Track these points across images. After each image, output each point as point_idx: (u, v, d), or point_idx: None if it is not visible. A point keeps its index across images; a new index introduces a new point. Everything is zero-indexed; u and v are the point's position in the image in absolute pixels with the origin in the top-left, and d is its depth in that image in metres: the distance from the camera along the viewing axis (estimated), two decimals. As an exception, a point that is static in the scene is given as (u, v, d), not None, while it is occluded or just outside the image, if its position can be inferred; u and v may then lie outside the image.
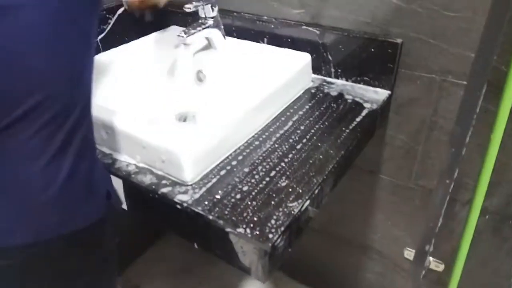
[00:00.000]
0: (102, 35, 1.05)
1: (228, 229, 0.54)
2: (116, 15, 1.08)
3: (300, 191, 0.60)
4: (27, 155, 0.50)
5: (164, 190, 0.61)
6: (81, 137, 0.54)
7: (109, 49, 0.95)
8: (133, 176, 0.64)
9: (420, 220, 0.96)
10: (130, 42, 0.98)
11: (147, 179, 0.63)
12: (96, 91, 0.78)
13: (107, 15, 1.06)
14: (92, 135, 0.59)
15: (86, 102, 0.56)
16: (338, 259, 1.22)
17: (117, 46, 0.96)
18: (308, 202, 0.59)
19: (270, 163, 0.66)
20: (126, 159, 0.68)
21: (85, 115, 0.55)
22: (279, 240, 0.54)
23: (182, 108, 0.87)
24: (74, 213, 0.55)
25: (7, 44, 0.44)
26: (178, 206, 0.59)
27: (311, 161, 0.66)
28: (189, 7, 0.84)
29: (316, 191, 0.61)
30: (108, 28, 1.06)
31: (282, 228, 0.54)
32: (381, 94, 0.85)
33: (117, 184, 0.67)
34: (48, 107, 0.48)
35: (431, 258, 0.92)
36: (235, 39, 0.96)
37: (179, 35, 0.82)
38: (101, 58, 0.91)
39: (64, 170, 0.52)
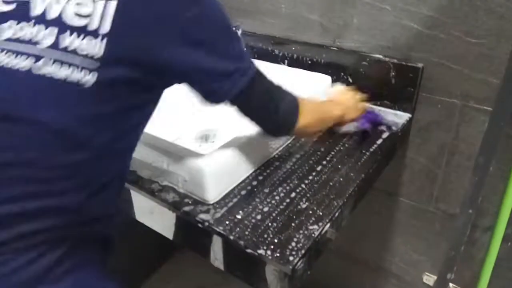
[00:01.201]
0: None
1: (249, 250, 0.55)
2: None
3: (321, 213, 0.60)
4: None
5: (186, 208, 0.62)
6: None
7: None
8: (156, 194, 0.66)
9: (440, 245, 0.95)
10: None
11: (170, 197, 0.65)
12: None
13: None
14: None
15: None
16: (355, 282, 1.20)
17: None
18: (328, 225, 0.59)
19: (291, 184, 0.66)
20: (150, 176, 0.69)
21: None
22: (299, 263, 0.54)
23: (204, 128, 0.89)
24: None
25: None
26: (200, 225, 0.60)
27: (331, 184, 0.66)
28: (213, 30, 0.86)
29: (336, 214, 0.61)
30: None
31: (303, 251, 0.54)
32: (402, 117, 0.85)
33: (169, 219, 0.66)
34: None
35: (451, 284, 0.90)
36: (256, 60, 0.98)
37: (203, 57, 0.84)
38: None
39: None
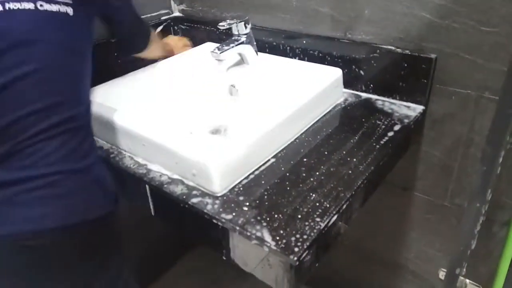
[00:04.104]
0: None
1: (254, 241, 0.55)
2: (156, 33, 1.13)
3: (328, 205, 0.60)
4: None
5: (194, 200, 0.63)
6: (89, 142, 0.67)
7: (148, 65, 0.99)
8: (165, 186, 0.67)
9: (456, 240, 0.92)
10: (168, 58, 1.02)
11: (178, 190, 0.66)
12: (134, 105, 0.82)
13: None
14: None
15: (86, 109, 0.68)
16: (369, 278, 1.19)
17: (155, 62, 1.00)
18: (335, 217, 0.59)
19: (299, 176, 0.66)
20: (160, 169, 0.70)
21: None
22: (305, 254, 0.54)
23: (215, 121, 0.89)
24: (90, 204, 0.65)
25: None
26: (207, 217, 0.60)
27: (339, 176, 0.66)
28: (223, 25, 0.87)
29: (344, 206, 0.61)
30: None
31: (308, 243, 0.54)
32: (415, 109, 0.84)
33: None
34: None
35: (467, 281, 0.88)
36: (267, 54, 0.98)
37: (212, 51, 0.85)
38: (139, 74, 0.95)
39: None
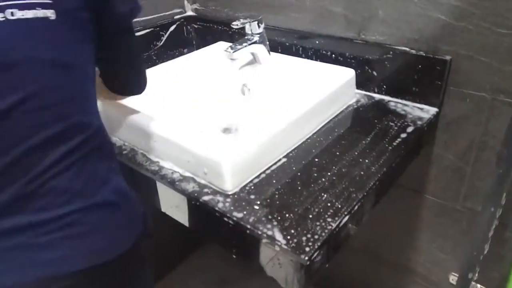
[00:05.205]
0: (155, 50, 1.12)
1: (265, 240, 0.55)
2: (168, 32, 1.14)
3: (339, 206, 0.60)
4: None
5: (206, 198, 0.63)
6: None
7: (161, 63, 1.00)
8: (177, 183, 0.67)
9: (467, 244, 0.92)
10: (181, 57, 1.03)
11: (189, 187, 0.66)
12: (147, 102, 0.83)
13: (160, 32, 1.12)
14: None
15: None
16: (378, 280, 1.18)
17: (168, 60, 1.01)
18: (346, 218, 0.59)
19: (310, 176, 0.66)
20: (172, 167, 0.71)
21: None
22: (315, 254, 0.53)
23: (227, 120, 0.90)
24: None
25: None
26: (218, 214, 0.61)
27: (351, 177, 0.66)
28: (236, 24, 0.87)
29: (356, 207, 0.61)
30: (161, 44, 1.13)
31: (319, 243, 0.54)
32: (428, 111, 0.83)
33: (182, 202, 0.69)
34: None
35: (479, 285, 0.87)
36: (280, 54, 0.98)
37: (225, 50, 0.85)
38: (152, 71, 0.96)
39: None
